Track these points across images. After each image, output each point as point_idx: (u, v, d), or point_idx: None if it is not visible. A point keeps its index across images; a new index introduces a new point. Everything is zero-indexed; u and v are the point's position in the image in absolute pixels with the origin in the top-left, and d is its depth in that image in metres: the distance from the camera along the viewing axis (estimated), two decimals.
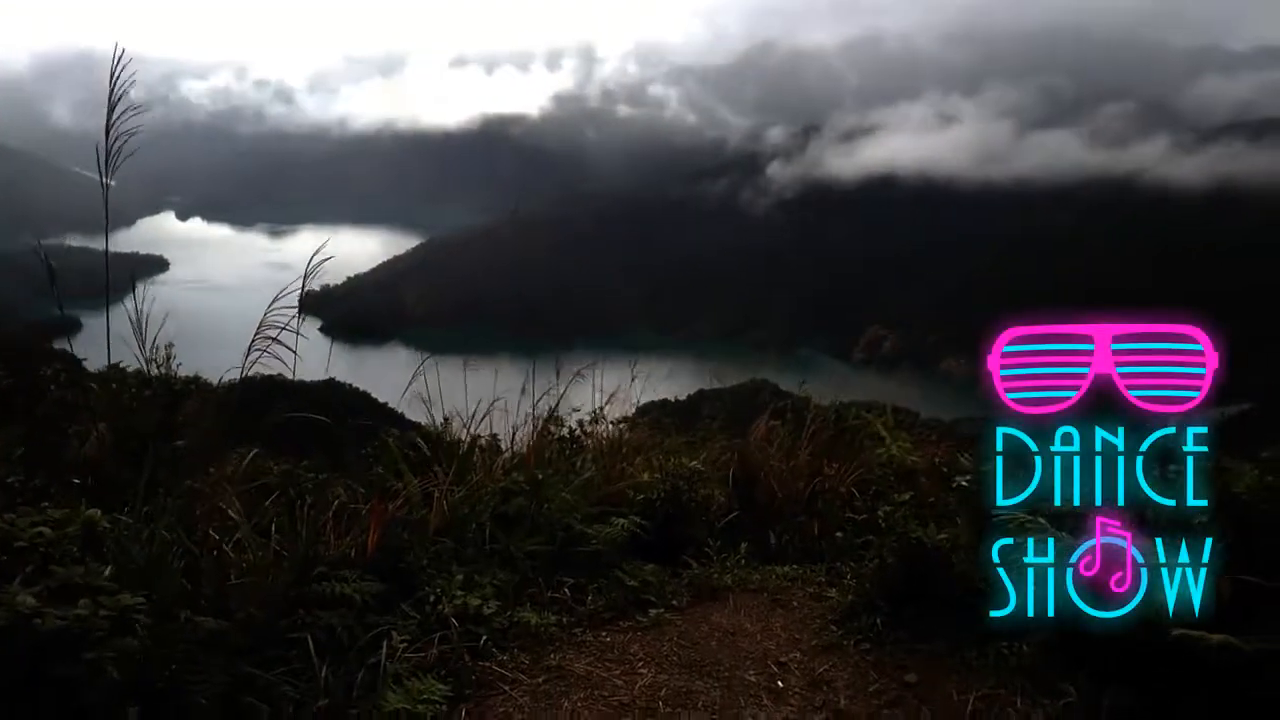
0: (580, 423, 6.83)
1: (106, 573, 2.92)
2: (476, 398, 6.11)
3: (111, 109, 3.97)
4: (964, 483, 5.06)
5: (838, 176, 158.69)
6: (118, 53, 4.05)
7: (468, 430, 6.00)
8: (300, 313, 4.17)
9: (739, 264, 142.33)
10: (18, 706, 2.64)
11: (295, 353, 4.16)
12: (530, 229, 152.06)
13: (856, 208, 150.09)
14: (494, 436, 6.23)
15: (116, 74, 3.99)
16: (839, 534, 5.81)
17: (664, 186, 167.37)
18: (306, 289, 4.34)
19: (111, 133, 4.00)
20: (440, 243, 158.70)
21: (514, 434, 6.22)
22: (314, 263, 4.32)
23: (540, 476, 5.23)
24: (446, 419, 6.08)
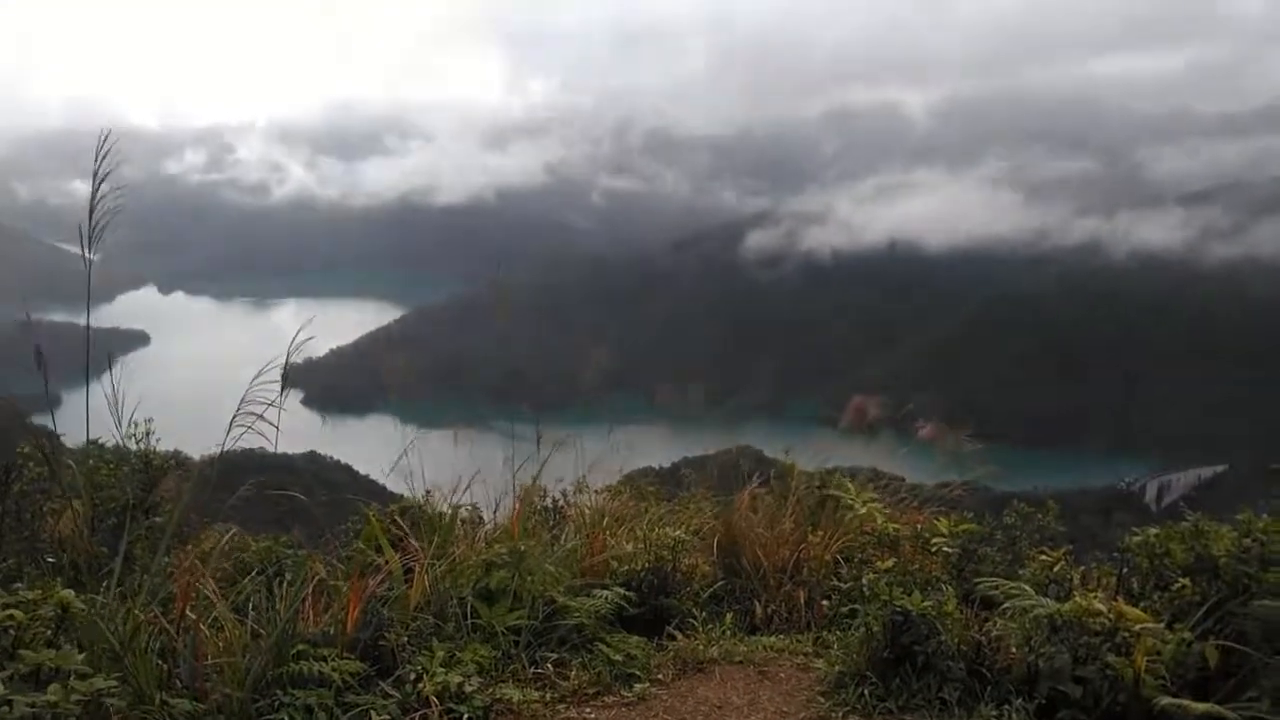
0: (563, 493, 6.80)
1: (80, 656, 2.85)
2: (459, 468, 6.08)
3: (95, 187, 4.01)
4: (946, 549, 5.05)
5: (822, 244, 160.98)
6: (103, 134, 4.10)
7: (449, 502, 5.95)
8: (284, 387, 4.16)
9: (723, 331, 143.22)
10: None
11: (277, 428, 4.13)
12: (513, 297, 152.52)
13: (832, 274, 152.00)
14: (476, 507, 6.19)
15: (101, 153, 4.03)
16: (825, 602, 5.75)
17: (649, 255, 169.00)
18: (289, 362, 4.34)
19: (96, 210, 4.03)
20: (422, 313, 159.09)
21: (496, 505, 6.18)
22: (297, 340, 4.32)
23: (523, 548, 5.17)
24: (428, 491, 6.04)
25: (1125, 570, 4.74)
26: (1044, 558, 5.00)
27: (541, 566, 5.23)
